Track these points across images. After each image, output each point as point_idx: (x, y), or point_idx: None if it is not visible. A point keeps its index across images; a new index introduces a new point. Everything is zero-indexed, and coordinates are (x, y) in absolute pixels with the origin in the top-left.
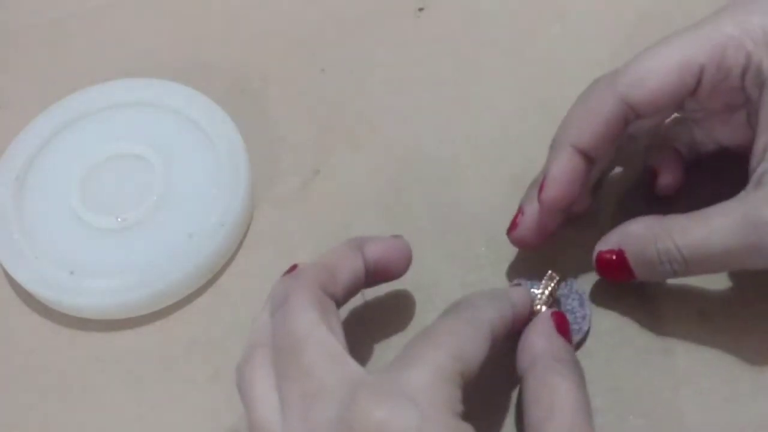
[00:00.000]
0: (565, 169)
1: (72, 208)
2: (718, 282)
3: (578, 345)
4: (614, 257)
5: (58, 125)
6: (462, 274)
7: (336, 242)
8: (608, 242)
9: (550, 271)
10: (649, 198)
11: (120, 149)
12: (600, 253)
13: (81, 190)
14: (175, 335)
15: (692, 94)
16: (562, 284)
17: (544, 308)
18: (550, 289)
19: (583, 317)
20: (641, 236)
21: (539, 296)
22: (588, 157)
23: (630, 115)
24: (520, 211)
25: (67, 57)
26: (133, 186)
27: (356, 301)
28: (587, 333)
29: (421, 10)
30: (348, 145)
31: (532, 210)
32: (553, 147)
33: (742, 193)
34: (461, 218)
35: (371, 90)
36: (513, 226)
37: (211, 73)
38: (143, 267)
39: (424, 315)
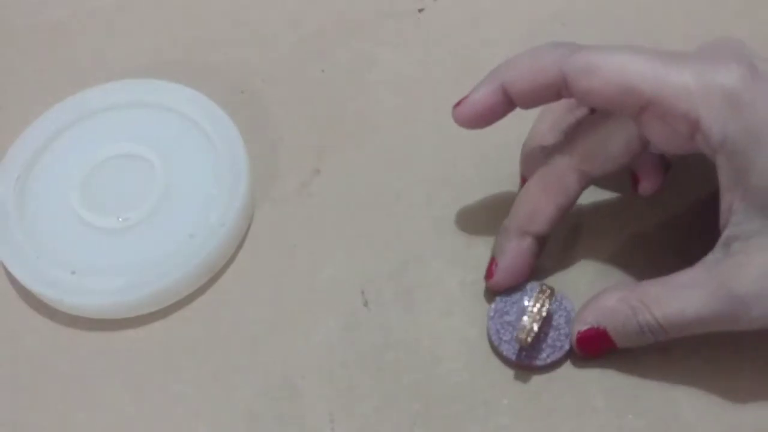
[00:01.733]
0: (517, 258)
1: (73, 208)
2: None
3: (557, 363)
4: (595, 335)
5: (59, 126)
6: (462, 274)
7: (335, 242)
8: (585, 321)
9: (542, 285)
10: (632, 200)
11: (121, 150)
12: (580, 334)
13: (82, 191)
14: (175, 335)
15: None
16: (553, 298)
17: (535, 326)
18: (542, 303)
19: (567, 335)
20: (619, 311)
21: (531, 310)
22: (540, 238)
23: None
24: (493, 262)
25: (67, 57)
26: (133, 186)
27: (356, 302)
28: (569, 353)
29: (421, 10)
30: (348, 145)
31: (505, 261)
32: (504, 232)
33: (711, 259)
34: (461, 218)
35: (371, 90)
36: (489, 274)
37: (211, 73)
38: (143, 267)
39: (424, 314)
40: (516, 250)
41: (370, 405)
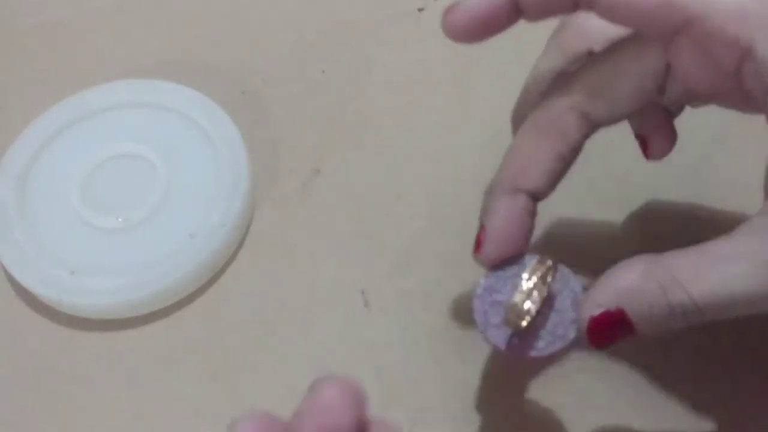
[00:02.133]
0: (508, 221)
1: (73, 208)
2: None
3: (557, 355)
4: (612, 320)
5: (59, 126)
6: (462, 274)
7: (335, 242)
8: (598, 303)
9: (539, 256)
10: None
11: (121, 150)
12: (593, 319)
13: (82, 190)
14: (175, 335)
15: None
16: (557, 274)
17: (530, 306)
18: (541, 277)
19: (572, 322)
20: (644, 290)
21: (524, 285)
22: (536, 196)
23: (588, 130)
24: (482, 230)
25: (67, 57)
26: (134, 186)
27: (357, 302)
28: (573, 342)
29: (421, 10)
30: (348, 145)
31: (494, 225)
32: (491, 191)
33: (761, 223)
34: (461, 218)
35: (371, 90)
36: (477, 245)
37: (212, 73)
38: (144, 267)
39: (424, 314)
40: (507, 211)
41: (370, 405)
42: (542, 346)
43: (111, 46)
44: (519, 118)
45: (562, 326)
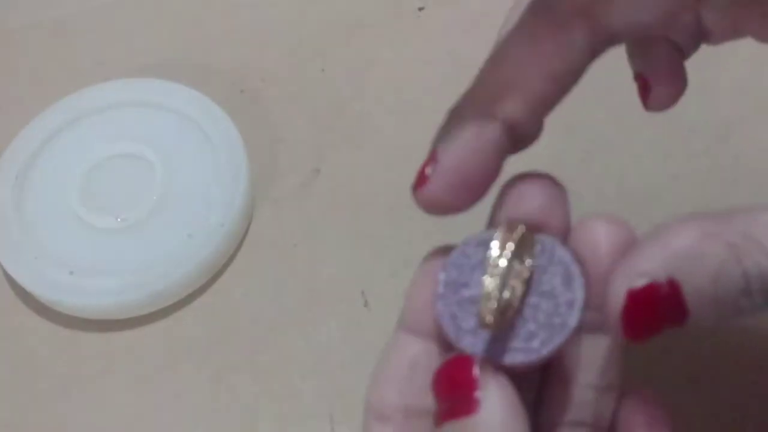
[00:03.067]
0: (471, 151)
1: (72, 208)
2: None
3: (556, 354)
4: (661, 295)
5: (58, 125)
6: None
7: (335, 242)
8: (641, 271)
9: (505, 224)
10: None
11: (120, 149)
12: (632, 295)
13: (81, 190)
14: (175, 335)
15: None
16: (536, 246)
17: (511, 293)
18: (517, 249)
19: (570, 304)
20: (707, 254)
21: (496, 265)
22: (514, 128)
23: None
24: (432, 157)
25: (67, 57)
26: (133, 186)
27: (356, 302)
28: (574, 333)
29: (421, 9)
30: (348, 145)
31: (451, 153)
32: (455, 111)
33: None
34: (461, 218)
35: (371, 90)
36: (420, 180)
37: (211, 73)
38: (143, 267)
39: None
40: (471, 140)
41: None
42: (537, 345)
43: (109, 45)
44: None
45: (558, 314)
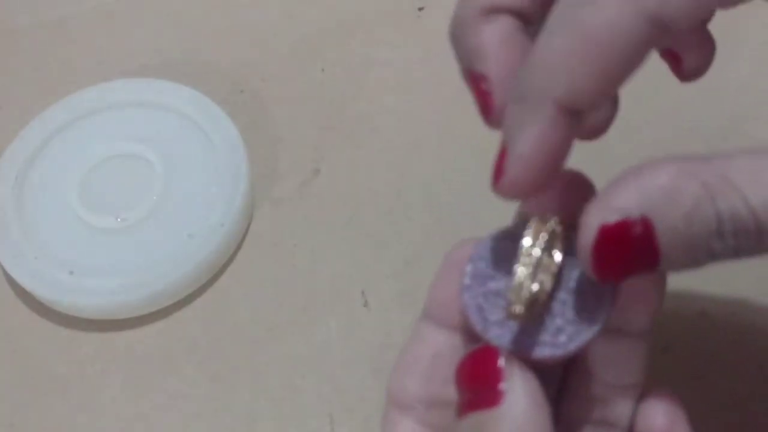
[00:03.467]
0: (547, 136)
1: (72, 207)
2: (718, 281)
3: (585, 344)
4: (632, 232)
5: (58, 125)
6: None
7: (335, 242)
8: (614, 206)
9: (537, 216)
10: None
11: (120, 149)
12: (603, 228)
13: (81, 190)
14: (175, 335)
15: None
16: (566, 242)
17: (540, 285)
18: (549, 241)
19: (598, 301)
20: (682, 192)
21: (526, 254)
22: (578, 118)
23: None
24: (503, 153)
25: (67, 57)
26: (132, 186)
27: (356, 302)
28: (601, 329)
29: (421, 9)
30: (348, 145)
31: (528, 140)
32: (523, 99)
33: None
34: (461, 218)
35: (371, 90)
36: (497, 173)
37: (211, 73)
38: (143, 267)
39: None
40: (543, 125)
41: (370, 405)
42: (564, 340)
43: (109, 45)
44: None
45: (586, 310)
